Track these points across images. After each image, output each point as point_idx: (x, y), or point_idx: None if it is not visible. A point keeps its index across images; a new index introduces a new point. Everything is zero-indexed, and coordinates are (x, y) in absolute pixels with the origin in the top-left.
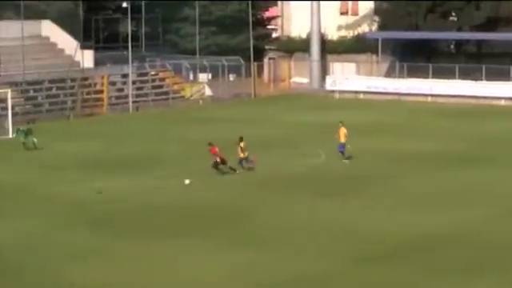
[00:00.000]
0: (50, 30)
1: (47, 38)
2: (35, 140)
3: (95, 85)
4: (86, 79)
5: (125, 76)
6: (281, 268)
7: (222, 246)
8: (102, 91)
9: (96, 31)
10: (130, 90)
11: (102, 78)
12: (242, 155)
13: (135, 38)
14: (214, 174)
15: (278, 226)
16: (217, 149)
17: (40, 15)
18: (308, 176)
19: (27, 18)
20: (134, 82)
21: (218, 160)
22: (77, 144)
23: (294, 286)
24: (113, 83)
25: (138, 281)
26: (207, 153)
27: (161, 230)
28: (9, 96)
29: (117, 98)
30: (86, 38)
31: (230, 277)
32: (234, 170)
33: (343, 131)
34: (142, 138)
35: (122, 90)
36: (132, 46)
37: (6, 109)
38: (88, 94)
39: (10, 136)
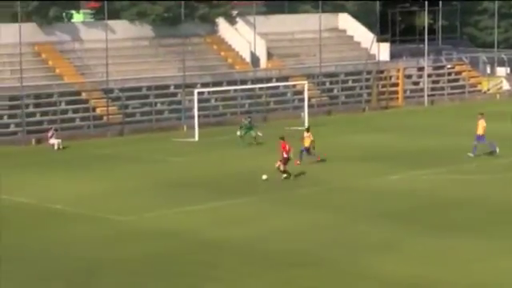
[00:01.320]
0: (346, 23)
1: (344, 31)
2: (259, 134)
3: (391, 78)
4: (381, 72)
5: (420, 69)
6: None
7: None
8: (397, 84)
9: (392, 24)
10: (425, 83)
11: (398, 70)
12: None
13: (431, 31)
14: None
15: None
16: (287, 146)
17: (338, 9)
18: None
19: (325, 10)
20: (429, 75)
21: (285, 157)
22: (371, 136)
23: None
24: (408, 76)
25: (432, 277)
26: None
27: (455, 226)
28: (305, 88)
29: (412, 91)
30: (382, 30)
31: None
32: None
33: (482, 124)
34: (437, 131)
35: (417, 83)
36: (428, 39)
37: (302, 100)
38: (384, 86)
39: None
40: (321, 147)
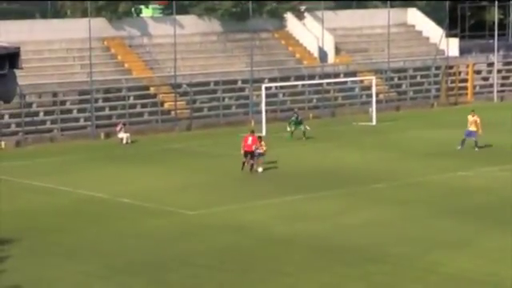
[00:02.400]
0: (415, 17)
1: (413, 26)
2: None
3: (460, 73)
4: (450, 67)
5: (490, 65)
6: None
7: None
8: (466, 80)
9: (462, 19)
10: (495, 78)
11: (468, 66)
12: None
13: (502, 26)
14: None
15: None
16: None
17: (407, 4)
18: None
19: (393, 6)
20: (499, 71)
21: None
22: (440, 132)
23: None
24: (478, 72)
25: (503, 274)
26: None
27: None
28: (373, 83)
29: (481, 86)
30: (451, 26)
31: None
32: None
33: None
34: (507, 127)
35: (487, 78)
36: (498, 35)
37: (370, 96)
38: (453, 82)
39: (374, 123)
40: (391, 143)
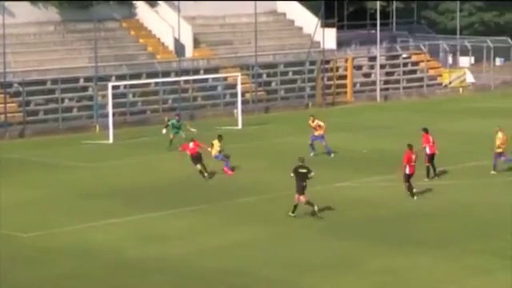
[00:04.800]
0: (286, 5)
1: (283, 15)
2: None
3: (338, 69)
4: (327, 62)
5: (372, 59)
6: None
7: None
8: (345, 76)
9: (340, 6)
10: (377, 75)
11: (346, 61)
12: None
13: (385, 15)
14: None
15: None
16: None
17: None
18: None
19: None
20: (382, 66)
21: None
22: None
23: None
24: (358, 67)
25: None
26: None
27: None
28: (239, 81)
29: (362, 84)
30: (327, 14)
31: None
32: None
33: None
34: (393, 131)
35: (368, 75)
36: (381, 24)
37: (235, 95)
38: (330, 79)
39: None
40: (259, 150)
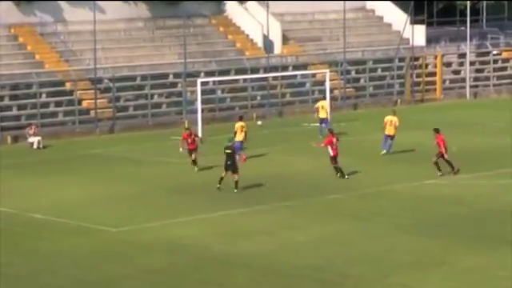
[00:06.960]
0: (376, 2)
1: (372, 11)
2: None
3: (427, 66)
4: (416, 59)
5: (462, 56)
6: None
7: None
8: (435, 73)
9: (429, 3)
10: (467, 72)
11: (436, 58)
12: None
13: (475, 12)
14: None
15: None
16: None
17: None
18: None
19: None
20: (472, 63)
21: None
22: (405, 134)
23: None
24: (448, 64)
25: None
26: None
27: None
28: (327, 77)
29: (452, 81)
30: (417, 11)
31: None
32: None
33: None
34: (482, 129)
35: (458, 72)
36: (471, 21)
37: (323, 92)
38: (419, 76)
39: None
40: (347, 146)
